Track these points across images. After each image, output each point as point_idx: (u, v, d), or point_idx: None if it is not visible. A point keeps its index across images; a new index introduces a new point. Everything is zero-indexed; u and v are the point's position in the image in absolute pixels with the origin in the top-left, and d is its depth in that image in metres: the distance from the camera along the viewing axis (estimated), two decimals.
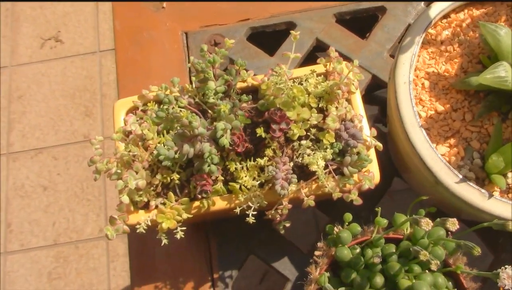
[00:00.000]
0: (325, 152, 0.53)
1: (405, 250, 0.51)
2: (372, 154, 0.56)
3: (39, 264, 1.47)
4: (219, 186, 0.55)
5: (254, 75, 0.59)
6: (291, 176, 0.53)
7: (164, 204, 0.55)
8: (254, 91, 0.59)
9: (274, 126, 0.53)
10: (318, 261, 0.54)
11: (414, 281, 0.49)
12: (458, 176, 0.52)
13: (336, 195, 0.53)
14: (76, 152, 1.60)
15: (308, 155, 0.54)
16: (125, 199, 0.52)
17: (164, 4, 0.81)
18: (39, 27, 1.77)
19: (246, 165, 0.55)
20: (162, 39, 0.79)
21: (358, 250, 0.53)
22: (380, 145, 0.55)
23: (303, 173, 0.55)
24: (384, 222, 0.53)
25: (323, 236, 0.56)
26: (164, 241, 0.54)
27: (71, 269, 1.46)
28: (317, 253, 0.55)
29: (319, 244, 0.56)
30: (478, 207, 0.51)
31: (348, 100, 0.58)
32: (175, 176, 0.54)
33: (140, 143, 0.56)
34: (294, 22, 0.78)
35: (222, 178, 0.55)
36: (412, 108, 0.54)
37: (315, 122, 0.55)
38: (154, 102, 0.58)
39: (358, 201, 0.53)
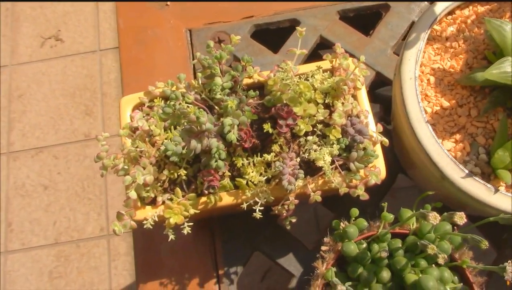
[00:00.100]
0: (332, 147, 0.54)
1: (411, 244, 0.52)
2: (378, 150, 0.56)
3: (40, 263, 1.47)
4: (226, 181, 0.55)
5: (260, 71, 0.59)
6: (298, 171, 0.53)
7: (171, 199, 0.55)
8: (259, 88, 0.59)
9: (281, 122, 0.53)
10: (324, 256, 0.54)
11: (420, 275, 0.50)
12: (464, 171, 0.52)
13: (343, 190, 0.53)
14: (76, 151, 1.59)
15: (315, 151, 0.54)
16: (133, 194, 0.52)
17: (168, 2, 0.82)
18: (39, 27, 1.77)
19: (253, 161, 0.55)
20: (166, 37, 0.79)
21: (364, 245, 0.53)
22: (386, 140, 0.55)
23: (310, 168, 0.55)
24: (391, 217, 0.53)
25: (329, 231, 0.57)
26: (171, 237, 0.54)
27: (72, 268, 1.46)
28: (323, 248, 0.55)
29: (326, 239, 0.56)
30: (484, 202, 0.52)
31: (354, 96, 0.58)
32: (182, 172, 0.54)
33: (147, 139, 0.56)
34: (298, 20, 0.78)
35: (229, 174, 0.55)
36: (418, 103, 0.54)
37: (322, 118, 0.55)
38: (160, 99, 0.59)
39: (364, 196, 0.53)
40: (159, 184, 0.55)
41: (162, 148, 0.53)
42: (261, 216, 0.53)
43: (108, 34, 1.73)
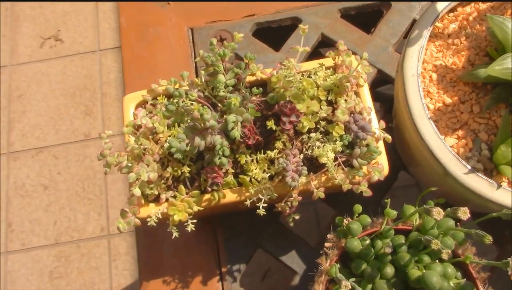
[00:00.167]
0: (335, 144, 0.54)
1: (415, 240, 0.52)
2: (381, 146, 0.57)
3: (40, 264, 1.47)
4: (230, 178, 0.55)
5: (263, 69, 0.59)
6: (301, 167, 0.53)
7: (174, 197, 0.55)
8: (262, 85, 0.60)
9: (284, 118, 0.54)
10: (328, 253, 0.55)
11: (424, 271, 0.50)
12: (466, 167, 0.52)
13: (346, 186, 0.54)
14: (76, 151, 1.59)
15: (318, 147, 0.54)
16: (137, 191, 0.52)
17: (170, 0, 0.82)
18: (38, 27, 1.76)
19: (256, 158, 0.55)
20: (168, 35, 0.79)
21: (368, 241, 0.53)
22: (389, 136, 0.55)
23: (313, 165, 0.56)
24: (394, 213, 0.53)
25: (333, 228, 0.57)
26: (175, 234, 0.54)
27: (72, 268, 1.46)
28: (327, 244, 0.56)
29: (329, 236, 0.56)
30: (486, 197, 0.52)
31: (357, 93, 0.58)
32: (186, 169, 0.54)
33: (150, 136, 0.56)
34: (299, 18, 0.78)
35: (233, 171, 0.55)
36: (421, 100, 0.55)
37: (325, 115, 0.55)
38: (163, 96, 0.59)
39: (368, 193, 0.54)
40: (162, 181, 0.55)
41: (166, 145, 0.53)
42: (265, 213, 0.53)
43: (107, 34, 1.73)
